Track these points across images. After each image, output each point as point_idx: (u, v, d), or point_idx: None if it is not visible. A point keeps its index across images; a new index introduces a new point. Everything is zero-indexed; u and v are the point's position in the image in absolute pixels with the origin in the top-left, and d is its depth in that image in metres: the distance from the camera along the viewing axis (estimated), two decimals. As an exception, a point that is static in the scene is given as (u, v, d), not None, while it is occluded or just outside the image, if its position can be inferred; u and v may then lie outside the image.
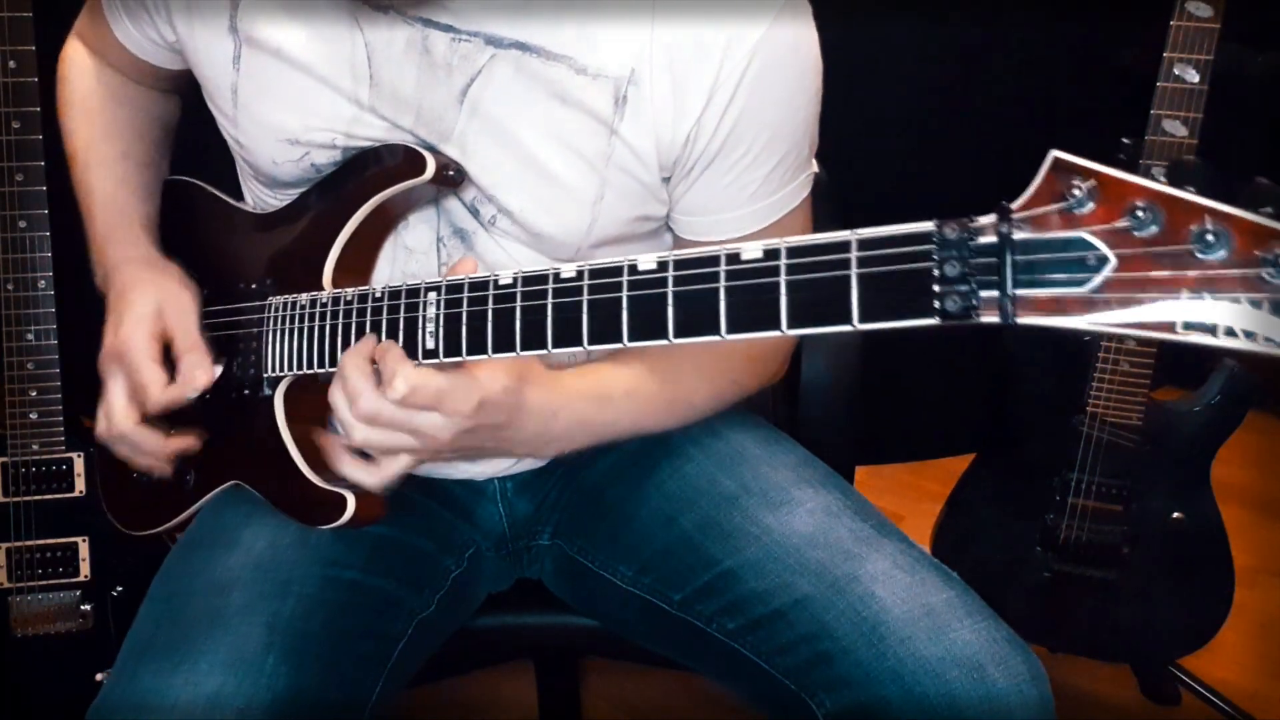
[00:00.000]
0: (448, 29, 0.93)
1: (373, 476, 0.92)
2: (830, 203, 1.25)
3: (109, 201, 1.12)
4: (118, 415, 1.03)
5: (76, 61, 1.18)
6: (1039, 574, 1.68)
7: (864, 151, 1.93)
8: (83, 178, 1.14)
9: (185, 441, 1.05)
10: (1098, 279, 0.60)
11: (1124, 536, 1.64)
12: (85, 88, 1.17)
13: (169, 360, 1.04)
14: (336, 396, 0.90)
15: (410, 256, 1.02)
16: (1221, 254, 0.57)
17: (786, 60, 0.93)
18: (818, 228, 1.08)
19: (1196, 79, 1.47)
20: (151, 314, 1.03)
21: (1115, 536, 1.64)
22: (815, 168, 1.03)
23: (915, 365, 1.92)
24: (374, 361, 0.88)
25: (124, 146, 1.14)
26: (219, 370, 1.04)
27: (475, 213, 1.00)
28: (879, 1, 1.90)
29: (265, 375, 1.01)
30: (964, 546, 1.72)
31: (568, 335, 0.79)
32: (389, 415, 0.87)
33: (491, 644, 1.25)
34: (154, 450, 1.05)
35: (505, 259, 1.01)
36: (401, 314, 0.87)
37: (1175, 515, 1.62)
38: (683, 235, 1.03)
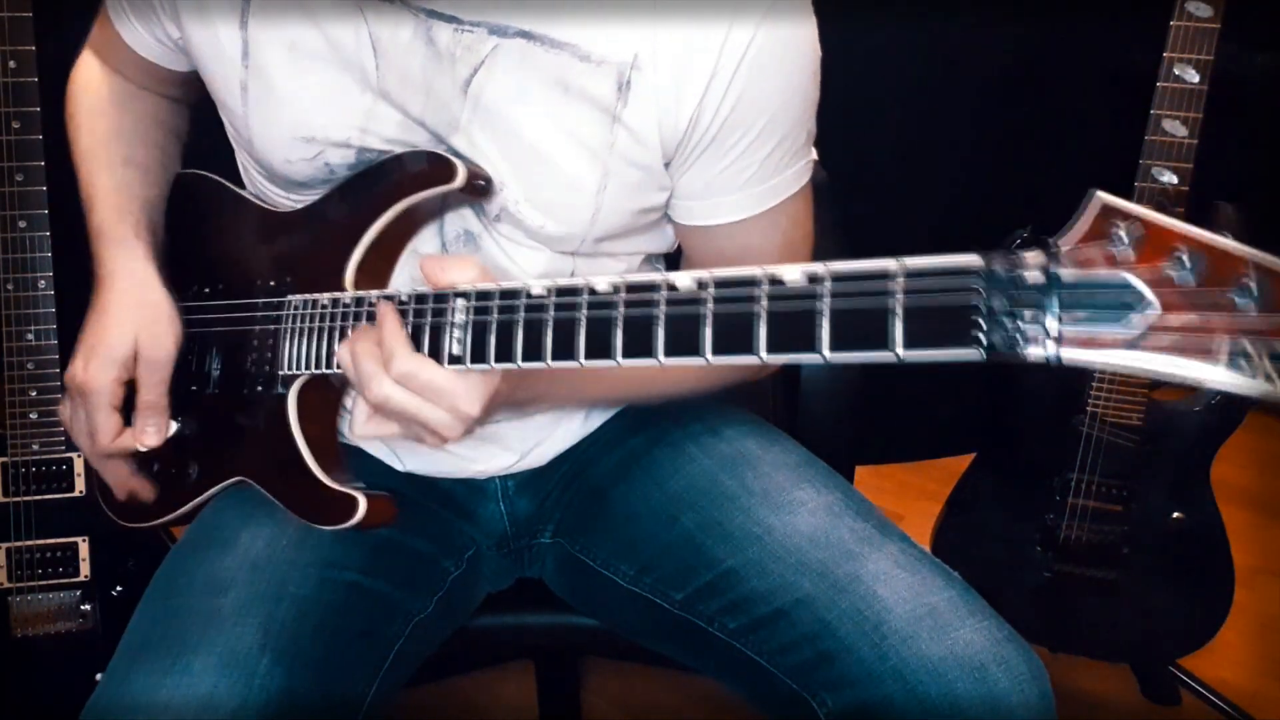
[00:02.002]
0: (451, 19, 0.93)
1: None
2: (831, 203, 1.25)
3: (107, 200, 1.10)
4: (83, 445, 1.05)
5: (85, 73, 1.17)
6: (1039, 574, 1.68)
7: (864, 152, 1.93)
8: (86, 180, 1.12)
9: (140, 484, 1.07)
10: (1141, 321, 0.60)
11: (1124, 536, 1.64)
12: (91, 95, 1.16)
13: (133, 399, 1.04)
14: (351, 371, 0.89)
15: (415, 261, 1.02)
16: (1263, 303, 0.58)
17: (787, 41, 0.93)
18: (819, 230, 1.08)
19: (1196, 79, 1.47)
20: (123, 358, 1.02)
21: (1115, 536, 1.64)
22: (814, 155, 1.03)
23: (915, 365, 1.93)
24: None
25: (127, 152, 1.13)
26: (174, 429, 1.04)
27: (481, 212, 0.99)
28: (879, 2, 1.90)
29: (280, 373, 1.00)
30: (964, 546, 1.72)
31: (600, 349, 0.78)
32: (398, 402, 0.86)
33: (491, 644, 1.25)
34: (116, 482, 1.07)
35: (507, 262, 1.01)
36: (428, 319, 0.86)
37: (1175, 515, 1.62)
38: (680, 221, 1.02)
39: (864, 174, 1.88)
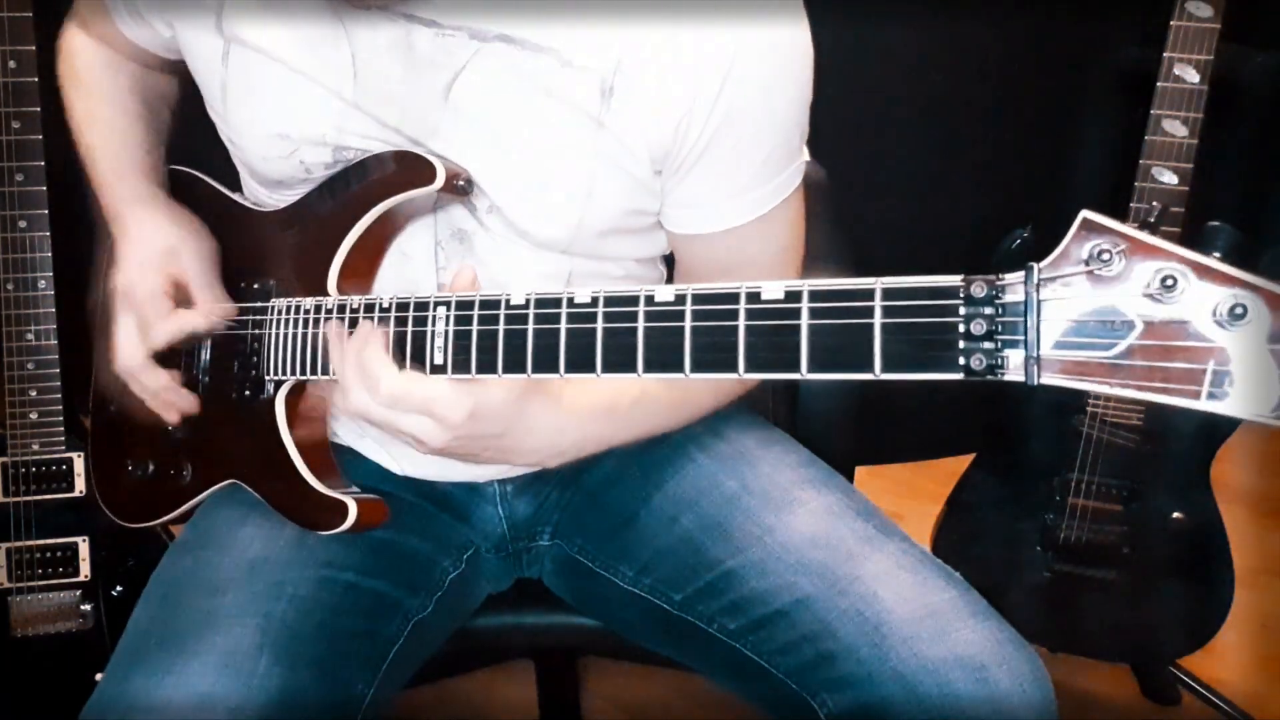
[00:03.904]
0: (431, 24, 0.93)
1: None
2: (831, 203, 1.25)
3: (108, 148, 1.12)
4: (125, 350, 1.04)
5: (75, 45, 1.18)
6: (1039, 574, 1.68)
7: (864, 151, 1.93)
8: (85, 140, 1.14)
9: (188, 398, 1.05)
10: (1123, 344, 0.60)
11: (1124, 536, 1.64)
12: (84, 64, 1.17)
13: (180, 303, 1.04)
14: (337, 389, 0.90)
15: (406, 262, 1.02)
16: (1249, 325, 0.57)
17: (774, 50, 0.92)
18: (820, 234, 1.07)
19: (1196, 79, 1.47)
20: (161, 254, 1.03)
21: (1115, 536, 1.64)
22: (806, 155, 1.02)
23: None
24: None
25: (122, 106, 1.14)
26: (232, 312, 1.04)
27: (474, 210, 0.99)
28: (879, 5, 1.90)
29: (267, 378, 1.01)
30: (964, 547, 1.72)
31: (581, 362, 0.78)
32: (379, 415, 0.87)
33: (491, 644, 1.25)
34: (156, 388, 1.05)
35: (504, 259, 1.00)
36: (410, 326, 0.87)
37: (1175, 515, 1.62)
38: (673, 229, 1.02)
39: (864, 174, 1.89)
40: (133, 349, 1.04)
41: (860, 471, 1.35)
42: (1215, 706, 1.79)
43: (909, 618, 0.92)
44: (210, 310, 1.03)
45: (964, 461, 1.76)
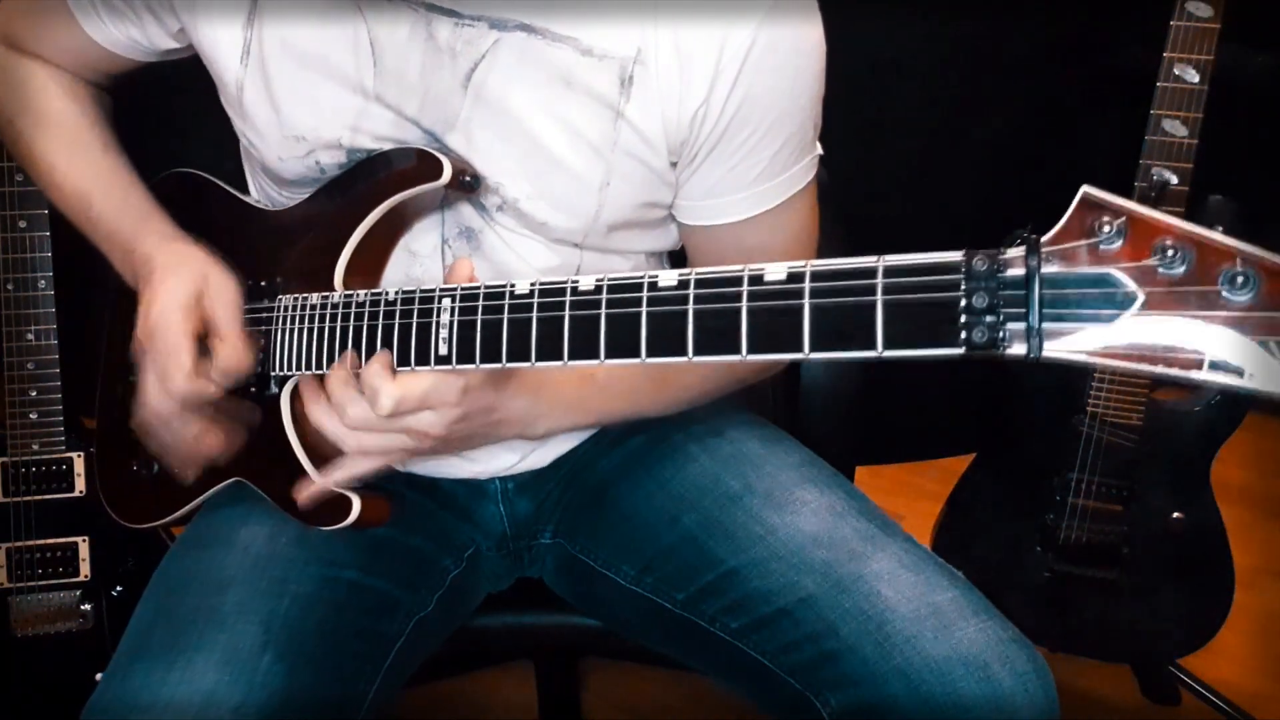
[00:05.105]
0: (451, 13, 0.93)
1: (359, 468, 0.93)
2: (832, 202, 1.25)
3: (111, 193, 1.09)
4: (153, 396, 0.98)
5: (20, 71, 1.12)
6: (1039, 574, 1.68)
7: (865, 151, 1.93)
8: (74, 186, 1.09)
9: (219, 438, 1.00)
10: (1124, 316, 0.59)
11: (1124, 537, 1.64)
12: (46, 96, 1.11)
13: (204, 349, 0.99)
14: (321, 415, 0.91)
15: (414, 260, 1.02)
16: (1250, 297, 0.57)
17: (789, 41, 0.93)
18: (822, 234, 1.07)
19: (1196, 79, 1.47)
20: (189, 297, 0.98)
21: (1115, 536, 1.64)
22: (819, 150, 1.02)
23: (915, 365, 1.92)
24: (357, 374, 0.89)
25: (102, 143, 1.11)
26: (254, 366, 1.00)
27: (482, 208, 0.99)
28: (880, 5, 1.90)
29: (272, 374, 1.00)
30: (964, 546, 1.72)
31: (584, 348, 0.78)
32: (380, 422, 0.88)
33: (491, 644, 1.25)
34: (188, 435, 0.99)
35: (513, 257, 1.01)
36: (415, 319, 0.87)
37: (1175, 515, 1.62)
38: (687, 221, 1.02)
39: (865, 173, 1.88)
40: (158, 394, 0.98)
41: (860, 471, 1.35)
42: (1215, 706, 1.79)
43: (912, 616, 0.92)
44: (226, 371, 0.97)
45: (964, 461, 1.76)
